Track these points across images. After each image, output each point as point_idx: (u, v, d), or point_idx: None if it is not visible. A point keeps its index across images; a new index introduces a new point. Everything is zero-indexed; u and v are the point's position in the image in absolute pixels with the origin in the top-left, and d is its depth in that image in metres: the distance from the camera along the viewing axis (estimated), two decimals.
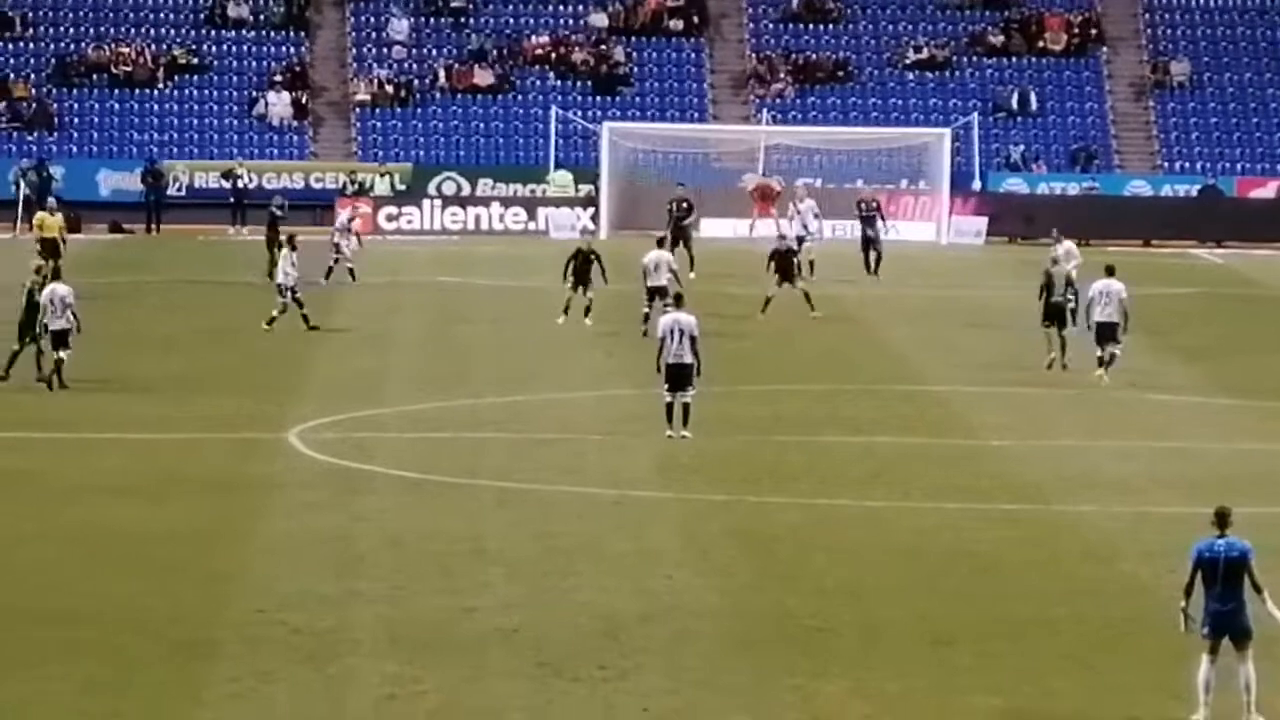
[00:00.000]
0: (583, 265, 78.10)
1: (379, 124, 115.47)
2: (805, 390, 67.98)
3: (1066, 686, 39.59)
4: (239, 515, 52.08)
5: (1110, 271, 69.55)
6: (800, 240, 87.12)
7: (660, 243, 73.92)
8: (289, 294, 74.81)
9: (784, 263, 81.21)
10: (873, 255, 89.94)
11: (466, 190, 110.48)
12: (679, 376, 59.83)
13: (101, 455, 58.32)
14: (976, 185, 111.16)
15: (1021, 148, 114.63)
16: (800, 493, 54.87)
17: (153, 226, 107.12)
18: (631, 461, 58.40)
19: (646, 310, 72.81)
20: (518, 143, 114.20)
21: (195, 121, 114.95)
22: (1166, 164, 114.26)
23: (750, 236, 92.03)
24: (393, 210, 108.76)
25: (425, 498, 54.53)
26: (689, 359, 60.37)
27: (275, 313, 75.17)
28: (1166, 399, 69.09)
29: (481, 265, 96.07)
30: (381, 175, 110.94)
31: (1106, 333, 69.62)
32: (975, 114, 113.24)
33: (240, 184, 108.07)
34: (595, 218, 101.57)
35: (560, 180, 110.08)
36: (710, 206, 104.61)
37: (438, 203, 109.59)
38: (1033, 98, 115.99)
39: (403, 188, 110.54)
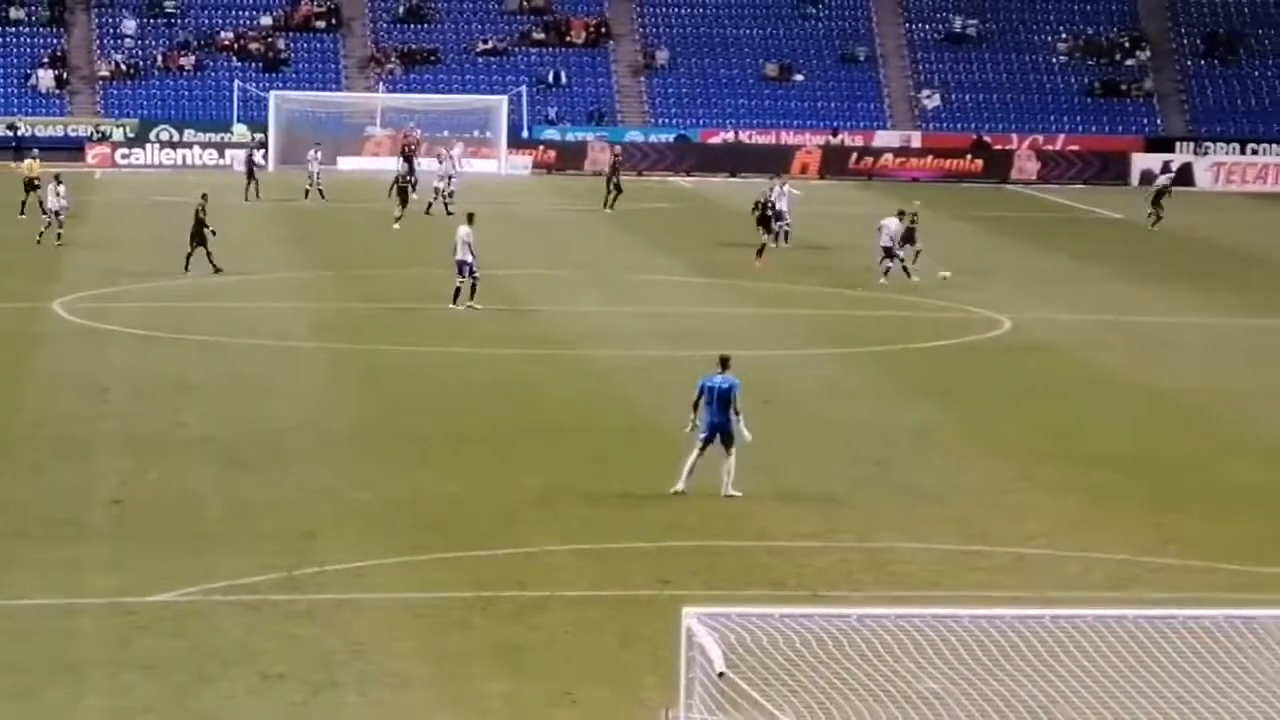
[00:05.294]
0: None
1: (116, 93, 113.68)
2: (406, 273, 67.60)
3: (592, 470, 39.69)
4: (18, 358, 51.40)
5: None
6: (450, 178, 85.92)
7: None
8: (55, 216, 73.07)
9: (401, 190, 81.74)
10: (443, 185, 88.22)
11: (176, 138, 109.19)
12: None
13: None
14: (525, 135, 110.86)
15: (555, 109, 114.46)
16: (406, 344, 54.74)
17: None
18: (294, 323, 58.07)
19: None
20: (212, 105, 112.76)
21: None
22: (654, 120, 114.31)
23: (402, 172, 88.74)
24: (125, 151, 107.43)
25: (149, 347, 53.82)
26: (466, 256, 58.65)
27: (42, 229, 73.52)
28: (658, 278, 69.17)
29: (187, 188, 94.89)
30: (118, 127, 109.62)
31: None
32: (524, 86, 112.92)
33: (19, 133, 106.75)
34: (265, 156, 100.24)
35: (240, 131, 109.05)
36: (343, 149, 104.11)
37: (156, 146, 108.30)
38: (563, 75, 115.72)
39: (133, 135, 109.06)
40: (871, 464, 40.60)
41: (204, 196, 68.12)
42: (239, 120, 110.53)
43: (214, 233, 65.86)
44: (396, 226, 79.96)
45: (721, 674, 18.38)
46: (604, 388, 49.01)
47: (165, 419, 44.45)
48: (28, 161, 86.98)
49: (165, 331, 55.98)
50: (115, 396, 46.84)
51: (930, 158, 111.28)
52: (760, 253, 69.78)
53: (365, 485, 38.31)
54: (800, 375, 49.58)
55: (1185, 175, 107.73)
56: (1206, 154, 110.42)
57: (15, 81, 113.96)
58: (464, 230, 59.32)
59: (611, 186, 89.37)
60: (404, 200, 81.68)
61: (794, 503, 37.10)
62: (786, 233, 74.41)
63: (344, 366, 51.76)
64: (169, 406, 45.82)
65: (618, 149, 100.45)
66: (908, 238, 67.06)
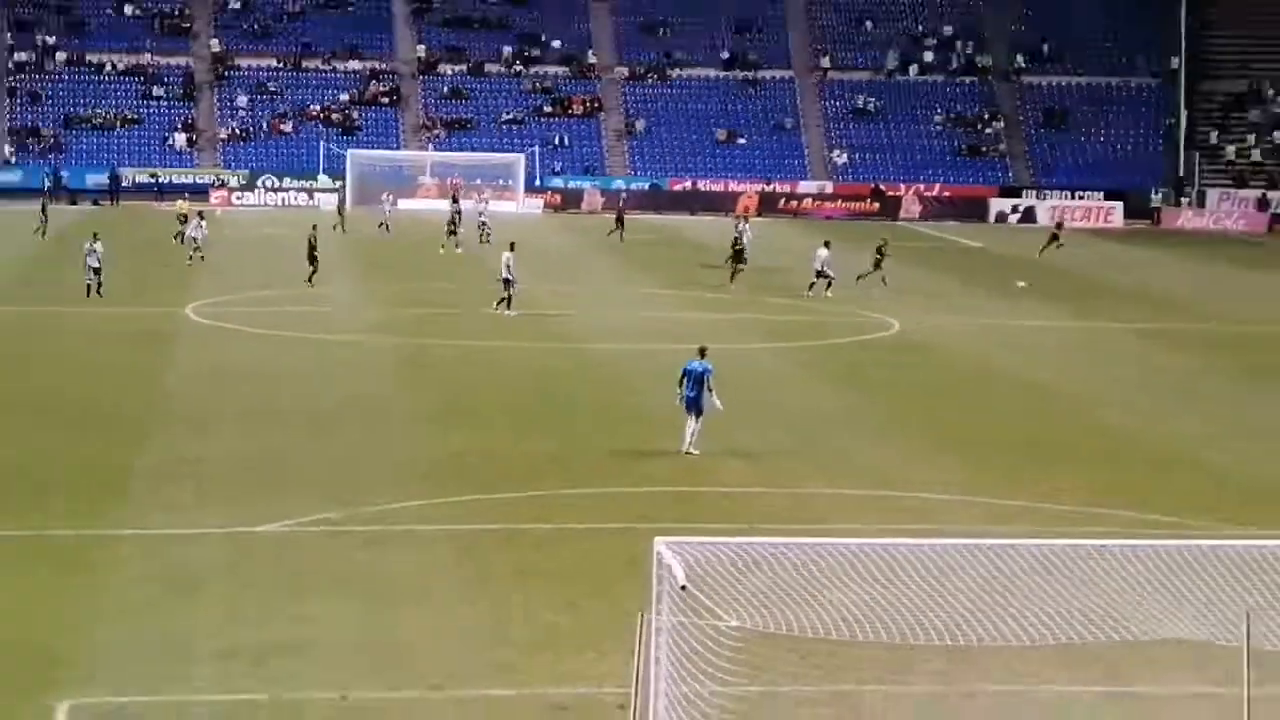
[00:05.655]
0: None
1: (232, 151, 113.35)
2: (451, 286, 67.34)
3: (593, 434, 39.61)
4: (164, 352, 51.06)
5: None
6: (482, 214, 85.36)
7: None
8: (194, 242, 72.68)
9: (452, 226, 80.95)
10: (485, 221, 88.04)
11: (277, 185, 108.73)
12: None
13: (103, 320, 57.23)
14: (537, 184, 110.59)
15: (559, 164, 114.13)
16: (452, 339, 54.53)
17: None
18: (367, 322, 57.80)
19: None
20: (303, 160, 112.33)
21: None
22: (634, 172, 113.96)
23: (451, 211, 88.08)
24: (239, 195, 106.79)
25: (255, 341, 53.65)
26: (507, 275, 57.47)
27: (190, 253, 72.53)
28: (641, 290, 68.78)
29: (286, 223, 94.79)
30: (233, 176, 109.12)
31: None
32: (536, 147, 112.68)
33: (159, 180, 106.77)
34: (344, 200, 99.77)
35: (324, 180, 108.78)
36: (402, 194, 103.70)
37: (262, 191, 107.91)
38: (566, 139, 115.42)
39: (244, 183, 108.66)
40: (799, 433, 40.43)
41: (314, 227, 67.97)
42: (324, 172, 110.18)
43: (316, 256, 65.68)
44: (442, 252, 79.63)
45: (684, 587, 18.19)
46: (604, 373, 48.73)
47: (278, 389, 44.42)
48: (179, 202, 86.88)
49: (276, 330, 55.76)
50: (238, 382, 46.43)
51: (840, 201, 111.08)
52: (734, 276, 69.22)
53: (416, 445, 38.15)
54: (746, 363, 49.33)
55: (1030, 215, 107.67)
56: (1045, 199, 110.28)
57: (156, 142, 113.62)
58: (507, 255, 58.88)
59: (618, 223, 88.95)
60: (453, 232, 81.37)
61: (742, 460, 36.93)
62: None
63: (398, 356, 51.41)
64: (276, 387, 45.62)
65: (624, 195, 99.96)
66: (877, 264, 67.07)
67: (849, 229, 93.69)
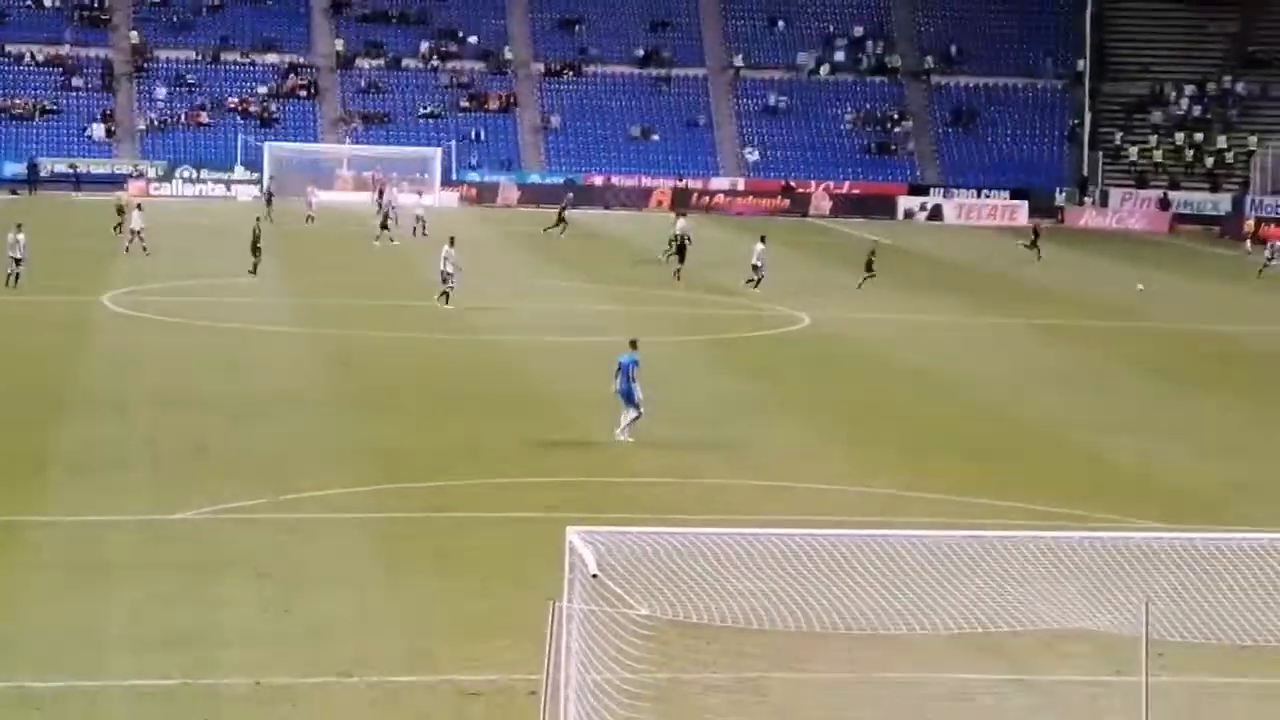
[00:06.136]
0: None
1: (150, 142, 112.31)
2: (378, 278, 67.00)
3: (506, 424, 39.41)
4: (72, 340, 50.73)
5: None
6: (394, 208, 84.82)
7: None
8: (136, 235, 71.86)
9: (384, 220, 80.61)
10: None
11: (195, 176, 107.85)
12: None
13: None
14: (453, 177, 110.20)
15: (476, 158, 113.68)
16: (376, 330, 54.32)
17: None
18: (287, 314, 57.46)
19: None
20: (221, 153, 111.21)
21: None
22: (549, 167, 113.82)
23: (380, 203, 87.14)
24: (156, 185, 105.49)
25: (172, 331, 53.33)
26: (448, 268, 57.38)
27: (126, 244, 71.74)
28: (555, 283, 68.79)
29: (203, 214, 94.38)
30: (151, 167, 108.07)
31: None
32: (453, 142, 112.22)
33: (78, 171, 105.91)
34: (271, 191, 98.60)
35: (240, 172, 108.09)
36: (319, 186, 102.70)
37: (180, 182, 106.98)
38: (483, 133, 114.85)
39: (162, 174, 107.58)
40: (707, 423, 40.46)
41: (258, 219, 67.80)
42: (240, 163, 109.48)
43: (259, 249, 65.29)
44: (377, 244, 79.19)
45: (595, 575, 18.19)
46: (523, 364, 48.57)
47: (187, 382, 43.97)
48: (120, 194, 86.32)
49: (187, 319, 55.36)
50: (149, 367, 46.20)
51: (751, 198, 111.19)
52: (678, 274, 68.58)
53: (337, 434, 38.04)
54: (664, 356, 49.36)
55: (937, 213, 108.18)
56: (952, 197, 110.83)
57: (75, 132, 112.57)
58: (447, 248, 58.49)
59: (559, 219, 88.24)
60: (385, 225, 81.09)
61: (651, 450, 36.87)
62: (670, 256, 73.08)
63: (322, 347, 51.07)
64: (188, 369, 45.37)
65: (570, 194, 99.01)
66: (867, 266, 67.38)
67: (760, 225, 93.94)
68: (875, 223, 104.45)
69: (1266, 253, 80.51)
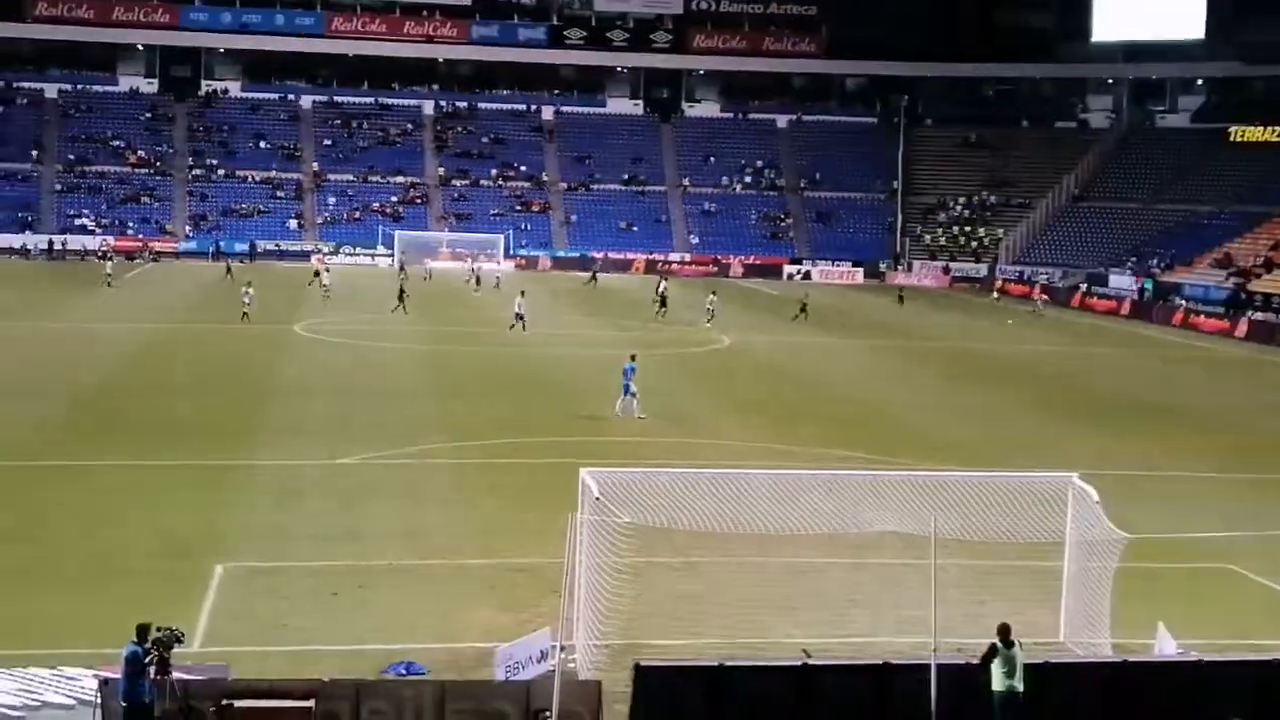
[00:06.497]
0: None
1: (326, 231, 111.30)
2: (476, 314, 66.18)
3: (544, 405, 38.78)
4: (277, 352, 50.21)
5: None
6: (479, 270, 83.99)
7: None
8: (325, 288, 70.80)
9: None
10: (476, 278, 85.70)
11: (354, 252, 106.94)
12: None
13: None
14: (511, 252, 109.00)
15: (525, 242, 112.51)
16: (470, 346, 53.74)
17: None
18: (403, 333, 56.81)
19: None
20: (367, 237, 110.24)
21: None
22: (569, 246, 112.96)
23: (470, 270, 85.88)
24: (329, 257, 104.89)
25: (340, 348, 52.56)
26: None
27: (323, 295, 69.59)
28: (576, 318, 67.88)
29: (359, 277, 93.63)
30: (326, 245, 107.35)
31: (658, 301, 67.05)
32: (511, 230, 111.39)
33: (280, 249, 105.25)
34: (404, 263, 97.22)
35: (381, 249, 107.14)
36: (431, 257, 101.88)
37: (345, 256, 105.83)
38: (528, 227, 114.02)
39: (332, 250, 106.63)
40: (667, 404, 39.98)
41: (404, 278, 67.45)
42: (381, 244, 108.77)
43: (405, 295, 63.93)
44: (477, 293, 77.24)
45: (598, 498, 18.15)
46: (556, 367, 47.88)
47: (345, 380, 43.42)
48: (315, 259, 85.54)
49: (364, 341, 54.84)
50: (331, 371, 45.47)
51: (694, 265, 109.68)
52: (661, 314, 67.02)
53: (434, 411, 37.61)
54: (645, 364, 49.18)
55: (808, 275, 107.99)
56: (817, 265, 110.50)
57: (279, 225, 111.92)
58: (519, 299, 58.57)
59: (593, 277, 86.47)
60: (477, 282, 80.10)
61: (638, 421, 36.61)
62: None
63: (433, 358, 50.39)
64: (366, 377, 44.71)
65: (600, 260, 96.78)
66: (802, 308, 66.35)
67: (700, 283, 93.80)
68: (770, 281, 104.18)
69: (1031, 307, 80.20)
